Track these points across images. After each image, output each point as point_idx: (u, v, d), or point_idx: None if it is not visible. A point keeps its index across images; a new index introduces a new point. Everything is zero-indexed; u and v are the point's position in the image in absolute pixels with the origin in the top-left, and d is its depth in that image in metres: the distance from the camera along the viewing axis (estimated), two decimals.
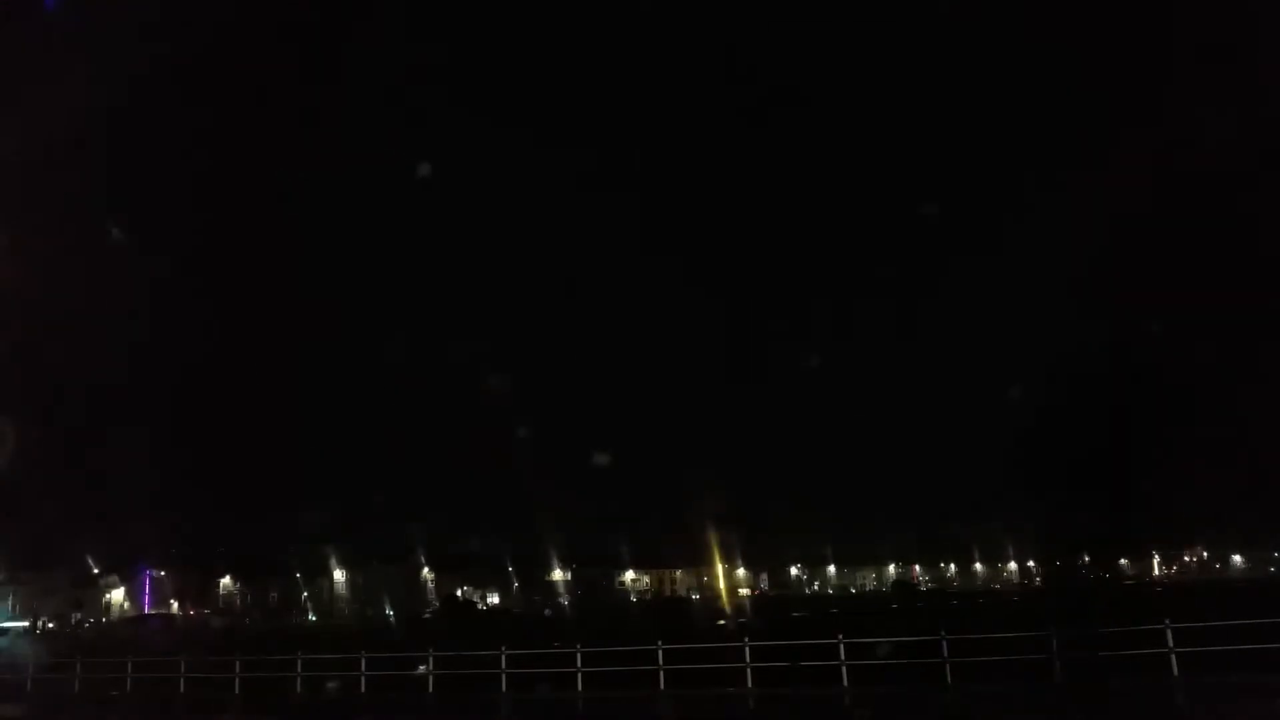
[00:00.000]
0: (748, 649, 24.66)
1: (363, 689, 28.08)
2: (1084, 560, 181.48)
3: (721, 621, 71.71)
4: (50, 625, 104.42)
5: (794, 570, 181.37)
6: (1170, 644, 21.55)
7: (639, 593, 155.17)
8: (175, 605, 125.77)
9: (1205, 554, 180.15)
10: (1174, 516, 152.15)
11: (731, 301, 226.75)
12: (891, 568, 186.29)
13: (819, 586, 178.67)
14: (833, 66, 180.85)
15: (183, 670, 31.42)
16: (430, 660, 28.50)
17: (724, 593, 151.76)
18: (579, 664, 26.08)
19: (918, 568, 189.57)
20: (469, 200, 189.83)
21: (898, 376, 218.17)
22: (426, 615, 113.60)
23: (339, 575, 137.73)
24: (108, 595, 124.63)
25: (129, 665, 32.60)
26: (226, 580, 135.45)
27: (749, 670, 24.23)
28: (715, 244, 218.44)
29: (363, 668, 28.77)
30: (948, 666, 22.84)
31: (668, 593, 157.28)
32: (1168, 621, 21.99)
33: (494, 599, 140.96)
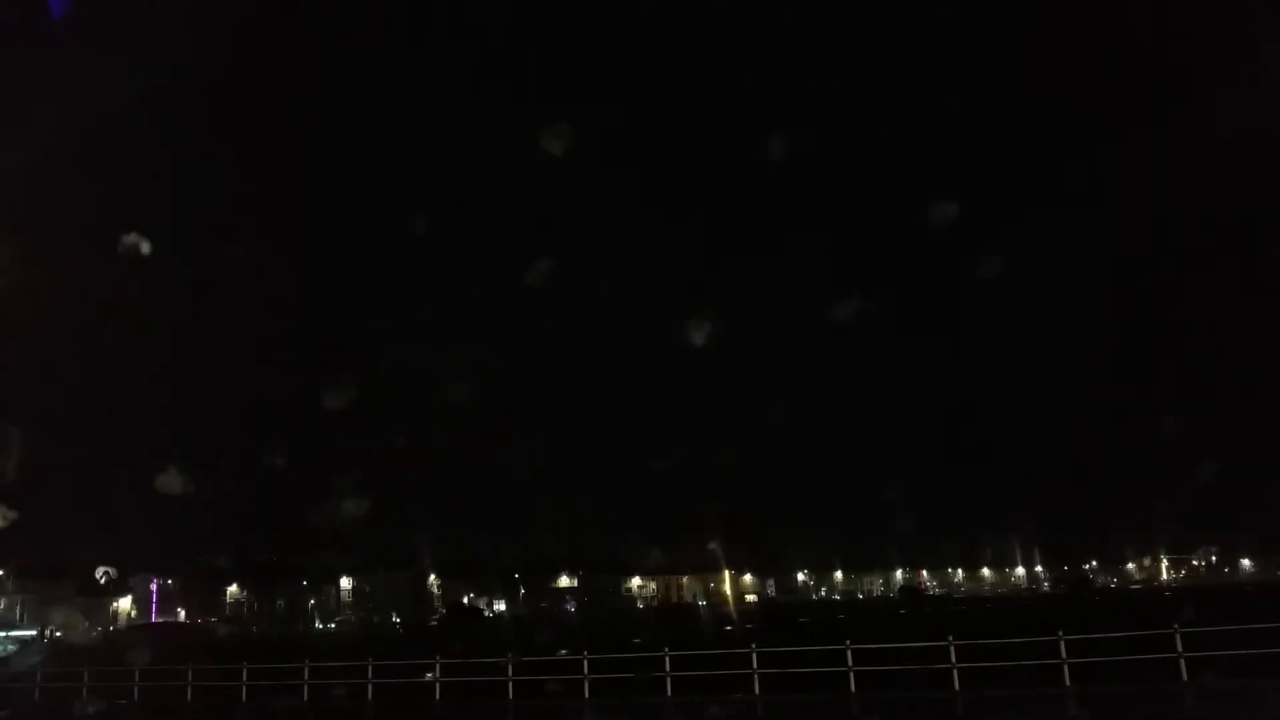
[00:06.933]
0: (755, 655, 24.56)
1: (370, 697, 28.03)
2: (1091, 565, 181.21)
3: (729, 627, 71.61)
4: (58, 634, 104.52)
5: (801, 576, 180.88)
6: (1179, 648, 21.44)
7: (646, 599, 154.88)
8: (182, 613, 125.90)
9: (1214, 558, 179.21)
10: (1182, 521, 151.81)
11: (736, 309, 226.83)
12: (899, 573, 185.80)
13: (826, 592, 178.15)
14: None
15: (190, 679, 31.41)
16: (437, 668, 28.46)
17: (731, 599, 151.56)
18: (585, 671, 26.03)
19: (925, 573, 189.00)
20: (473, 204, 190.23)
21: (901, 379, 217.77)
22: (433, 622, 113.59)
23: (346, 583, 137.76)
24: (115, 603, 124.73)
25: (136, 674, 32.60)
26: (233, 588, 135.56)
27: (756, 676, 24.14)
28: (723, 250, 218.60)
29: (369, 675, 28.72)
30: (955, 671, 22.75)
31: (674, 599, 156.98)
32: (1176, 626, 21.89)
33: (500, 606, 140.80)
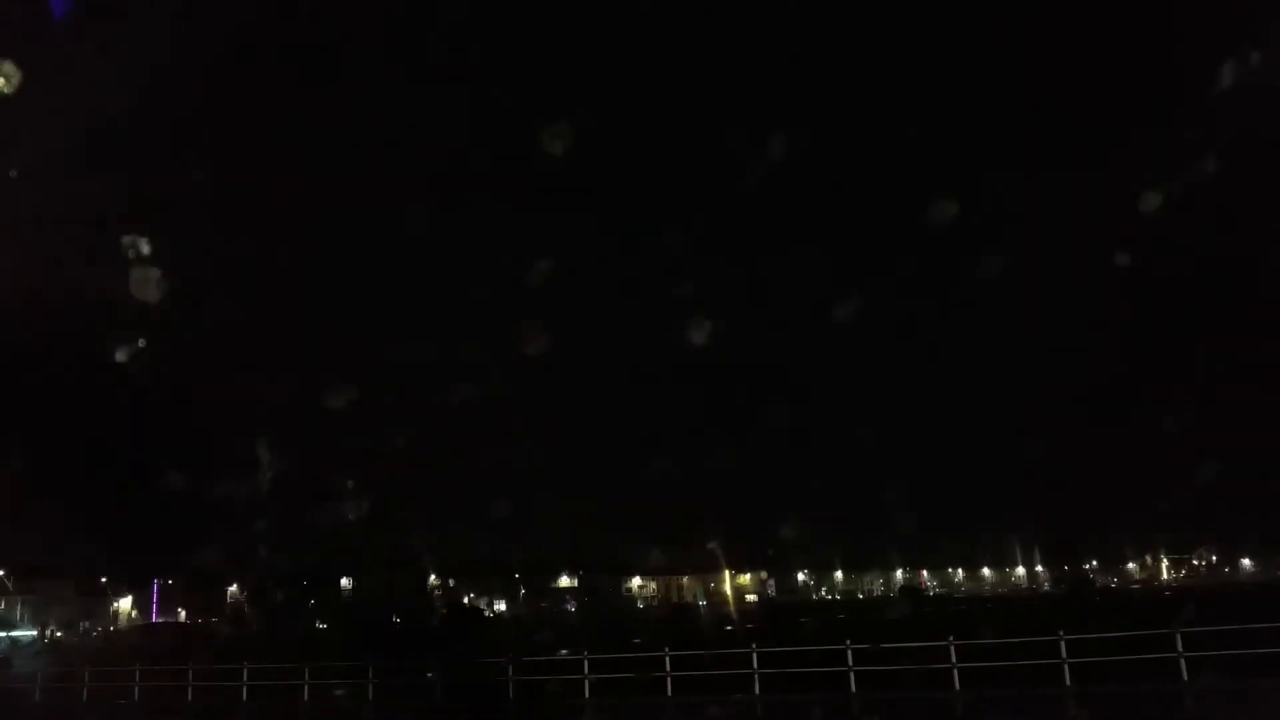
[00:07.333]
0: (755, 655, 24.59)
1: (370, 697, 28.07)
2: (1092, 565, 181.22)
3: (729, 627, 71.60)
4: (59, 634, 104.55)
5: (801, 576, 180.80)
6: (1179, 648, 21.46)
7: (646, 599, 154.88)
8: (183, 613, 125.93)
9: (1214, 558, 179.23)
10: (1182, 521, 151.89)
11: (736, 308, 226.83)
12: (899, 573, 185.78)
13: (826, 592, 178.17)
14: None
15: (190, 679, 31.47)
16: (437, 668, 28.51)
17: (731, 599, 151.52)
18: (586, 671, 26.07)
19: (925, 573, 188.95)
20: (474, 205, 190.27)
21: (902, 381, 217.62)
22: (433, 622, 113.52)
23: (346, 582, 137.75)
24: (116, 604, 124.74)
25: (137, 674, 32.64)
26: (234, 588, 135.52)
27: (756, 676, 24.17)
28: (725, 250, 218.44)
29: (370, 675, 28.76)
30: (955, 671, 22.77)
31: (675, 599, 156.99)
32: (1176, 626, 21.92)
33: (501, 606, 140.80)
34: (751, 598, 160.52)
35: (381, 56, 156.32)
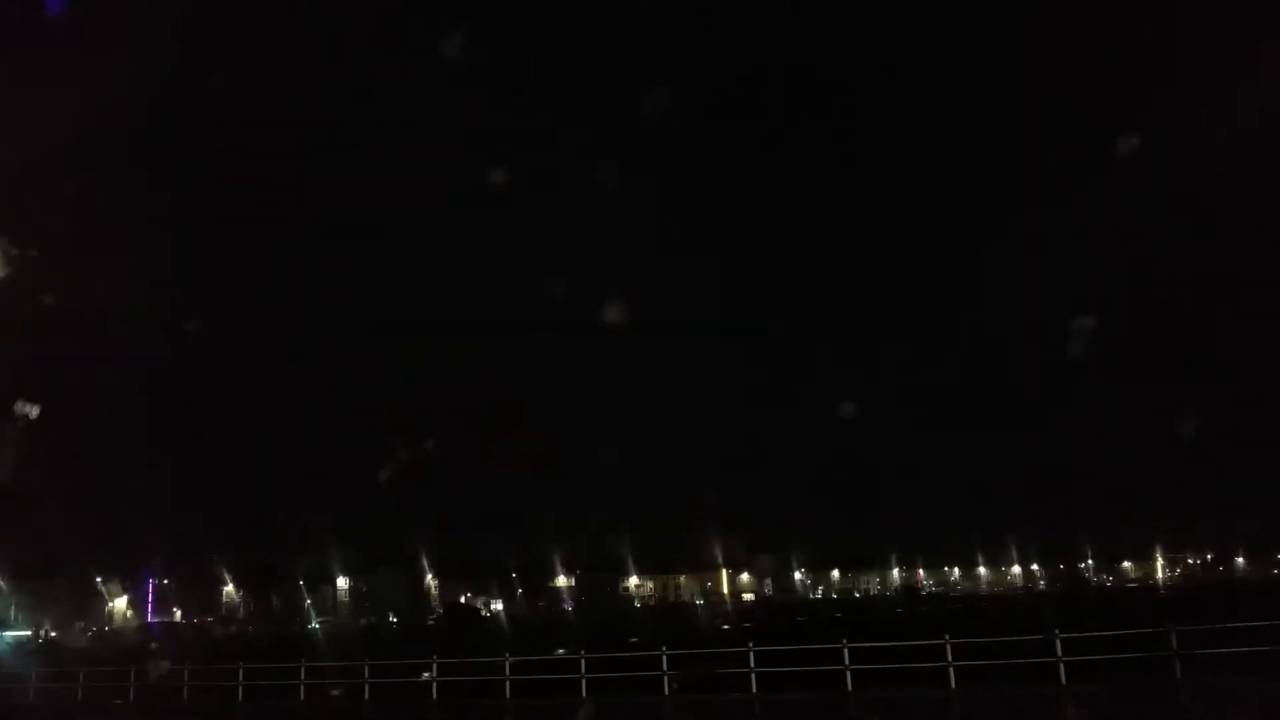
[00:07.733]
0: (752, 654, 24.58)
1: (367, 696, 28.03)
2: (1088, 563, 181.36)
3: (726, 626, 71.71)
4: (53, 634, 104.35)
5: (798, 575, 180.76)
6: (1175, 646, 21.48)
7: (643, 599, 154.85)
8: (178, 613, 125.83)
9: (1209, 556, 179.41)
10: (1178, 520, 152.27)
11: (737, 308, 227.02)
12: (895, 572, 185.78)
13: (823, 592, 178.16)
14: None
15: (186, 679, 31.40)
16: (434, 667, 28.45)
17: (728, 598, 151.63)
18: (583, 670, 26.03)
19: (922, 572, 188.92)
20: (472, 204, 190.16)
21: (900, 381, 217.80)
22: (430, 621, 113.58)
23: (342, 582, 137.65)
24: (111, 604, 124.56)
25: (132, 674, 32.56)
26: (229, 588, 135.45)
27: (753, 675, 24.16)
28: (728, 258, 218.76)
29: (366, 675, 28.72)
30: (952, 670, 22.75)
31: (672, 599, 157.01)
32: (1171, 624, 21.94)
33: (498, 605, 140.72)
34: (749, 597, 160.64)
35: (382, 57, 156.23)
